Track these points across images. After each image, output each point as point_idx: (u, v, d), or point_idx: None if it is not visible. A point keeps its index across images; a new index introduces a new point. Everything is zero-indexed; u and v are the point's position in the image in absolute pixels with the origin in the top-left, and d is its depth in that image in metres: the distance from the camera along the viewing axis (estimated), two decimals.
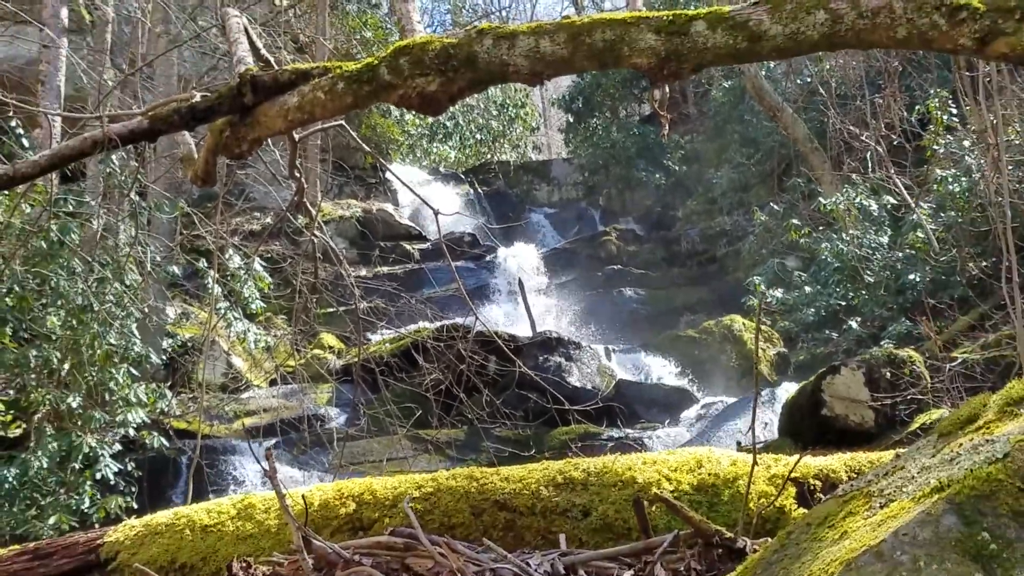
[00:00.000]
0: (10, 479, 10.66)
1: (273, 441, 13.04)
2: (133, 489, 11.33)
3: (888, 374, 12.26)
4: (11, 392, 11.76)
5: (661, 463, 3.07)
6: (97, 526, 10.82)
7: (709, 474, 3.05)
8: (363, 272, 21.23)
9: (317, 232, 9.35)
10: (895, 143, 19.28)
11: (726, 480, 3.04)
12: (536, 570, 2.03)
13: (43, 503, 10.69)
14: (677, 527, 2.33)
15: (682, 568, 2.17)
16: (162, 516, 2.99)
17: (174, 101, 4.59)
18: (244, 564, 2.25)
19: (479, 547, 2.28)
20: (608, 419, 14.40)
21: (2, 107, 10.02)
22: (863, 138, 17.99)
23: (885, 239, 18.16)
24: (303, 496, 3.03)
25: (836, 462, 3.09)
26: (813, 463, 3.06)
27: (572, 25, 3.69)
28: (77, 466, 11.08)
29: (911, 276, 17.05)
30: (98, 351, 11.55)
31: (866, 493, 2.01)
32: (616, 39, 3.55)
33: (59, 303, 11.38)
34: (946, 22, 3.24)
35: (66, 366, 11.60)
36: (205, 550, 2.93)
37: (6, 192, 10.12)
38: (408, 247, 24.41)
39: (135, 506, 11.22)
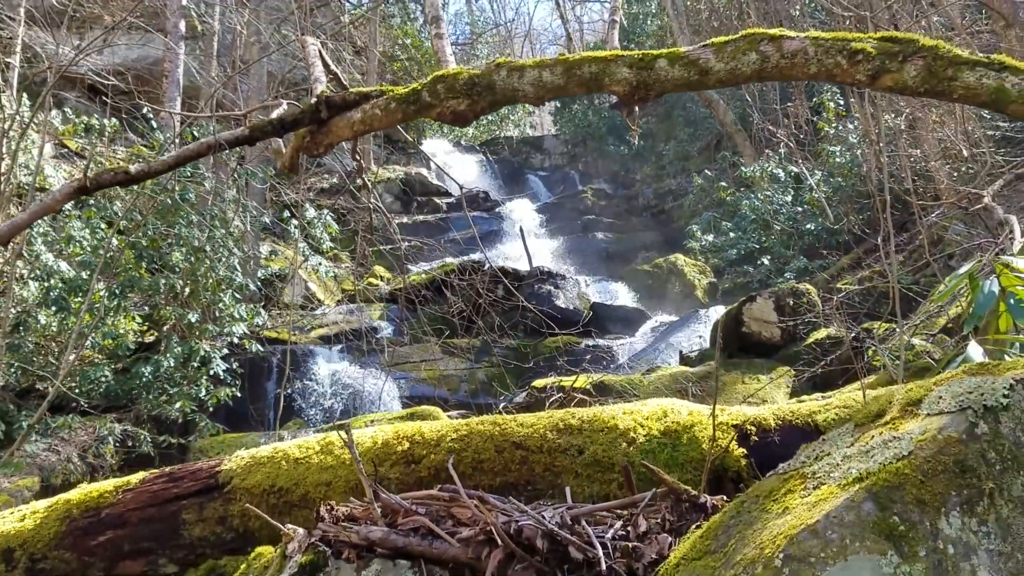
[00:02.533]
0: (147, 374, 10.65)
1: (339, 347, 12.98)
2: (237, 382, 11.31)
3: (791, 302, 12.37)
4: (146, 308, 11.70)
5: (636, 413, 3.00)
6: (211, 410, 10.86)
7: (673, 422, 2.98)
8: (404, 220, 21.10)
9: (370, 193, 9.23)
10: (800, 131, 19.33)
11: (685, 426, 2.97)
12: (549, 521, 1.94)
13: (171, 392, 10.68)
14: (654, 486, 2.25)
15: (659, 519, 2.09)
16: (264, 450, 2.92)
17: (269, 107, 4.47)
18: (328, 507, 2.17)
19: (505, 500, 2.20)
20: (585, 333, 14.32)
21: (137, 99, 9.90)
22: (777, 134, 18.05)
23: (789, 198, 18.41)
24: (371, 437, 2.96)
25: (767, 412, 3.00)
26: (749, 412, 2.99)
27: (566, 61, 3.62)
28: (195, 365, 11.06)
29: (808, 226, 17.33)
30: (210, 280, 11.49)
31: (801, 474, 1.93)
32: (599, 72, 3.49)
33: (181, 244, 11.28)
34: (847, 62, 3.24)
35: (186, 291, 11.53)
36: (296, 477, 2.87)
37: None
38: (438, 201, 24.24)
39: (238, 395, 11.22)
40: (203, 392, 10.81)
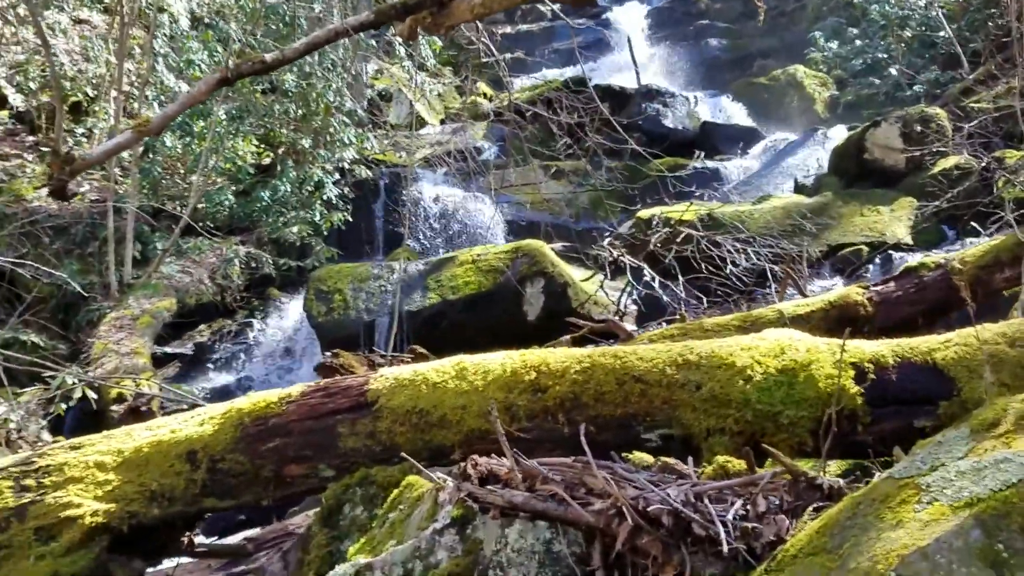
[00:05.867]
0: (265, 198, 11.15)
1: (443, 170, 13.16)
2: (348, 207, 11.71)
3: (919, 128, 11.94)
4: (262, 129, 12.03)
5: (754, 350, 3.14)
6: (325, 234, 11.35)
7: (790, 360, 3.10)
8: (507, 29, 20.59)
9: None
10: None
11: (802, 364, 3.10)
12: (675, 500, 2.18)
13: (288, 216, 11.17)
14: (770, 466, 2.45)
15: (777, 499, 2.31)
16: (406, 373, 3.20)
17: None
18: (474, 463, 2.45)
19: (633, 469, 2.44)
20: (693, 154, 14.12)
21: None
22: None
23: (923, 1, 16.94)
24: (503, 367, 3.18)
25: (885, 349, 3.11)
26: (867, 349, 3.09)
27: None
28: (309, 189, 11.47)
29: (941, 33, 16.10)
30: (321, 104, 11.68)
31: (916, 484, 2.09)
32: None
33: (292, 68, 11.42)
34: None
35: (299, 113, 11.80)
36: (435, 400, 3.15)
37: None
38: (542, 8, 23.33)
39: (349, 219, 11.65)
40: (317, 216, 11.28)
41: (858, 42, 18.56)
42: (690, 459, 2.53)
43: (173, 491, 3.29)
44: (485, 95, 16.20)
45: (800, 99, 18.38)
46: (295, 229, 11.03)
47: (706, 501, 2.25)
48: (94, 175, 11.37)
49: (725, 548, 2.12)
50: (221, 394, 9.03)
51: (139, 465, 3.34)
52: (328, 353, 5.29)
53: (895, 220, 10.78)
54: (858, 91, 17.91)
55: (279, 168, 11.61)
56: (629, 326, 7.69)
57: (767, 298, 8.37)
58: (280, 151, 11.93)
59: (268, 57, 4.40)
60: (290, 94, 11.50)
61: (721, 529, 2.16)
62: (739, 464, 2.60)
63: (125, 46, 10.69)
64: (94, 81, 12.32)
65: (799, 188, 12.85)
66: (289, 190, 11.23)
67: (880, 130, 11.95)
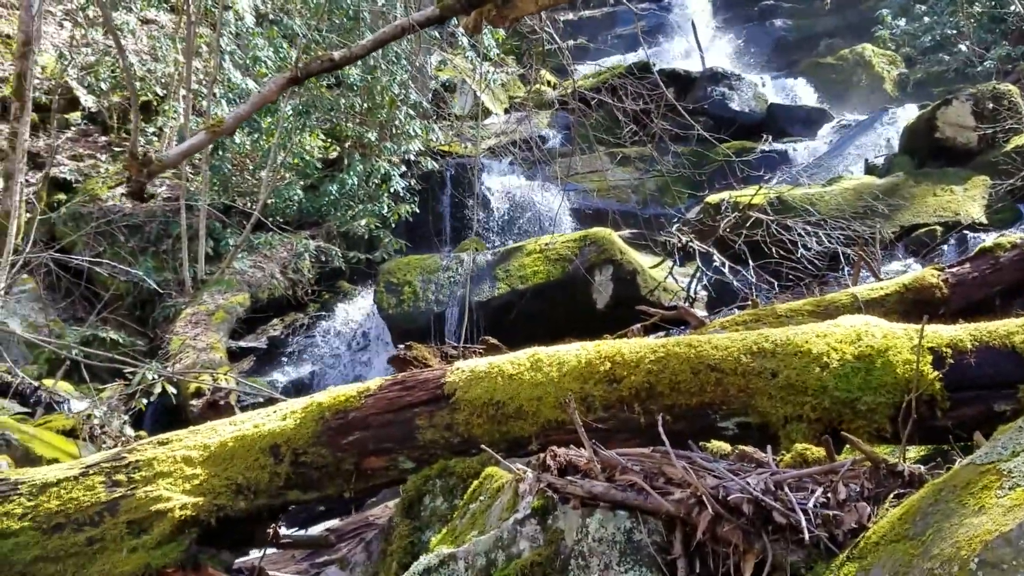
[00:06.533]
0: (333, 191, 11.35)
1: (508, 159, 13.23)
2: (414, 199, 11.85)
3: (991, 105, 11.75)
4: (328, 124, 12.23)
5: (830, 336, 3.13)
6: (393, 226, 11.51)
7: (867, 346, 3.09)
8: (570, 16, 20.53)
9: None
10: None
11: (879, 351, 3.08)
12: (755, 488, 2.21)
13: (356, 209, 11.36)
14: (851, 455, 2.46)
15: (858, 486, 2.32)
16: (481, 365, 3.27)
17: None
18: (553, 454, 2.50)
19: (712, 459, 2.47)
20: (761, 137, 14.00)
21: None
22: None
23: None
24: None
25: (963, 333, 3.08)
26: (945, 333, 3.07)
27: None
28: (376, 182, 11.64)
29: (1011, 7, 15.80)
30: (386, 97, 11.82)
31: (997, 470, 2.09)
32: None
33: (357, 63, 11.57)
34: None
35: (365, 107, 11.96)
36: (511, 391, 3.20)
37: None
38: None
39: (416, 210, 11.79)
40: (385, 209, 11.44)
41: (926, 19, 18.45)
42: (768, 447, 2.54)
43: (258, 484, 3.41)
44: (549, 83, 16.20)
45: (868, 78, 18.14)
46: (363, 222, 11.21)
47: (786, 489, 2.26)
48: (166, 173, 11.69)
49: (806, 536, 2.14)
50: (295, 387, 9.26)
51: (225, 459, 3.47)
52: (401, 345, 5.38)
53: (969, 199, 10.59)
54: (927, 68, 17.69)
55: (346, 162, 11.80)
56: (699, 312, 7.67)
57: (840, 281, 8.29)
58: (347, 145, 12.12)
59: (336, 55, 4.50)
60: (355, 88, 11.66)
61: (802, 517, 2.17)
62: (818, 452, 2.61)
63: (192, 45, 10.96)
64: (163, 80, 12.66)
65: (870, 169, 12.67)
66: (356, 183, 11.42)
67: (951, 108, 11.85)
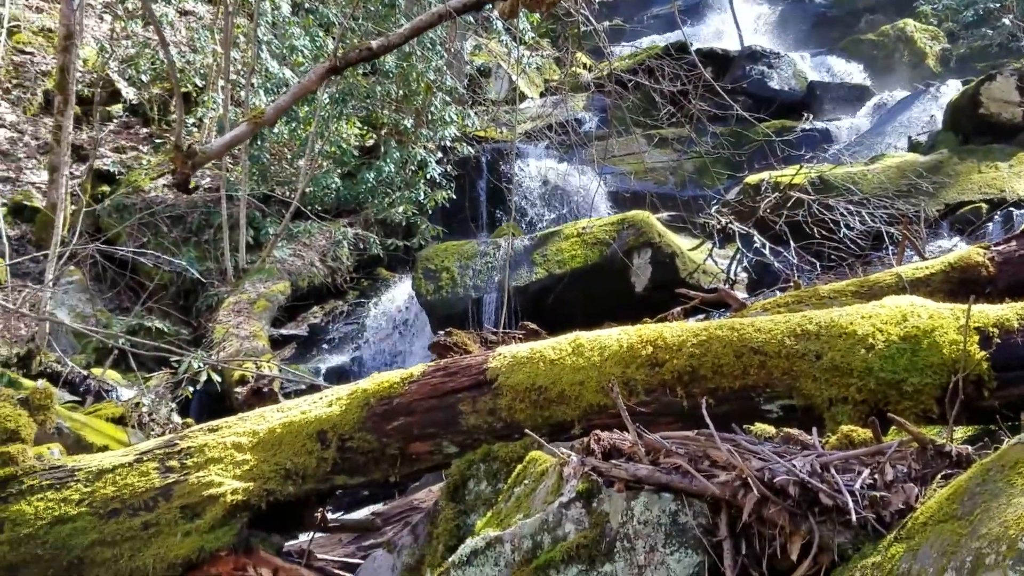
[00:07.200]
0: (370, 179, 11.43)
1: (544, 143, 13.21)
2: (451, 185, 11.90)
3: None
4: (364, 111, 12.30)
5: (875, 317, 3.12)
6: (429, 212, 11.57)
7: (912, 327, 3.07)
8: None
9: None
10: None
11: (925, 331, 3.06)
12: (801, 470, 2.22)
13: (393, 196, 11.43)
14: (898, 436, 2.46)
15: (905, 467, 2.32)
16: (523, 350, 3.30)
17: None
18: (596, 438, 2.53)
19: (756, 441, 2.48)
20: (801, 115, 13.85)
21: None
22: None
23: None
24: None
25: (1010, 312, 3.05)
26: (992, 313, 3.04)
27: None
28: (413, 169, 11.70)
29: None
30: (421, 83, 11.86)
31: None
32: None
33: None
34: None
35: (400, 94, 12.01)
36: (553, 376, 3.23)
37: None
38: None
39: (453, 196, 11.84)
40: (421, 195, 11.50)
41: None
42: (814, 429, 2.55)
43: (306, 469, 3.48)
44: (584, 66, 16.15)
45: (910, 54, 17.89)
46: (400, 209, 11.29)
47: (832, 471, 2.27)
48: (207, 165, 11.84)
49: (853, 517, 2.15)
50: (336, 374, 9.36)
51: (273, 445, 3.55)
52: (441, 331, 5.43)
53: (1015, 176, 10.44)
54: (970, 43, 17.43)
55: (383, 149, 11.87)
56: (740, 295, 7.65)
57: (883, 261, 8.21)
58: (383, 132, 12.18)
59: (374, 44, 4.54)
60: (391, 75, 11.71)
61: (849, 498, 2.18)
62: (864, 433, 2.61)
63: (230, 35, 11.07)
64: (201, 72, 12.80)
65: (913, 146, 12.52)
66: (393, 170, 11.49)
67: (995, 83, 11.65)
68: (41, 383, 7.10)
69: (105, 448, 6.01)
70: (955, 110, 12.22)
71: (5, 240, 8.56)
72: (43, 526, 3.62)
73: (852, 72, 17.14)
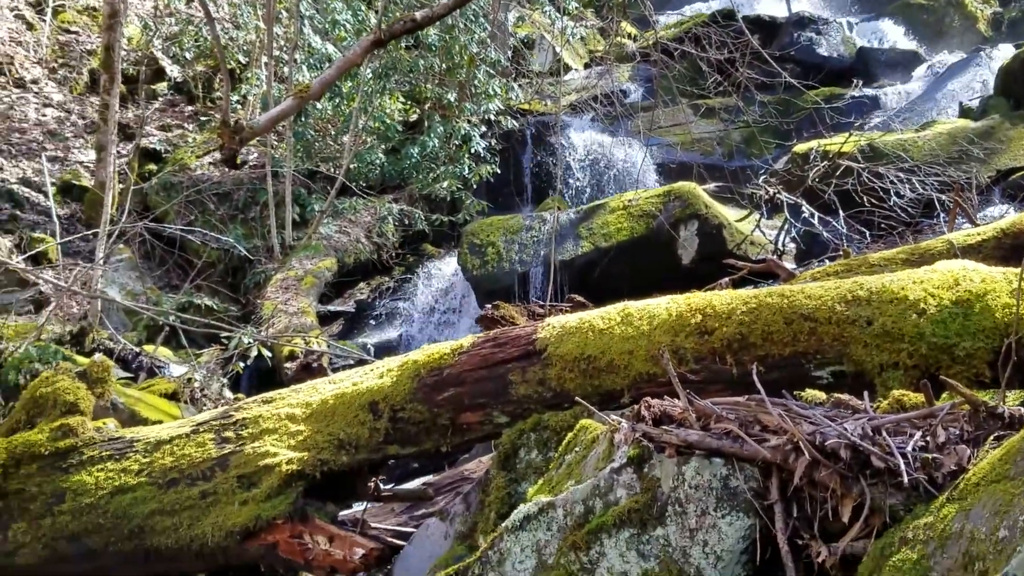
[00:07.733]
0: (414, 154, 11.50)
1: (590, 115, 13.18)
2: (495, 159, 11.92)
3: None
4: (407, 86, 12.32)
5: (927, 282, 3.11)
6: (474, 187, 11.62)
7: (964, 291, 3.06)
8: None
9: None
10: None
11: (977, 295, 3.05)
12: (852, 433, 2.24)
13: (438, 171, 11.48)
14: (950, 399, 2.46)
15: (957, 429, 2.34)
16: (572, 321, 3.34)
17: None
18: (647, 404, 2.57)
19: (807, 406, 2.51)
20: (850, 82, 13.65)
21: None
22: None
23: None
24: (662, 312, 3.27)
25: None
26: None
27: None
28: (457, 143, 11.74)
29: None
30: (464, 56, 11.86)
31: None
32: None
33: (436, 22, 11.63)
34: None
35: (443, 67, 12.03)
36: (602, 346, 3.27)
37: None
38: None
39: (498, 171, 11.85)
40: (466, 170, 11.54)
41: None
42: (865, 394, 2.57)
43: (358, 439, 3.57)
44: (629, 35, 16.04)
45: (961, 18, 17.50)
46: (445, 184, 11.34)
47: (884, 434, 2.29)
48: (252, 142, 11.98)
49: (905, 479, 2.17)
50: (384, 349, 9.48)
51: (326, 416, 3.64)
52: (488, 305, 5.49)
53: None
54: (1022, 7, 16.91)
55: (426, 124, 11.92)
56: (789, 265, 7.61)
57: (934, 229, 8.11)
58: (426, 107, 12.23)
59: (419, 15, 4.56)
60: (434, 48, 11.72)
61: (901, 460, 2.20)
62: (915, 398, 2.62)
63: (273, 10, 11.14)
64: (244, 48, 12.92)
65: (964, 112, 12.27)
66: (437, 145, 11.53)
67: None
68: (98, 356, 7.30)
69: (159, 423, 6.18)
70: (1007, 74, 11.98)
71: (56, 219, 8.75)
72: (104, 496, 3.75)
73: (902, 37, 16.82)
